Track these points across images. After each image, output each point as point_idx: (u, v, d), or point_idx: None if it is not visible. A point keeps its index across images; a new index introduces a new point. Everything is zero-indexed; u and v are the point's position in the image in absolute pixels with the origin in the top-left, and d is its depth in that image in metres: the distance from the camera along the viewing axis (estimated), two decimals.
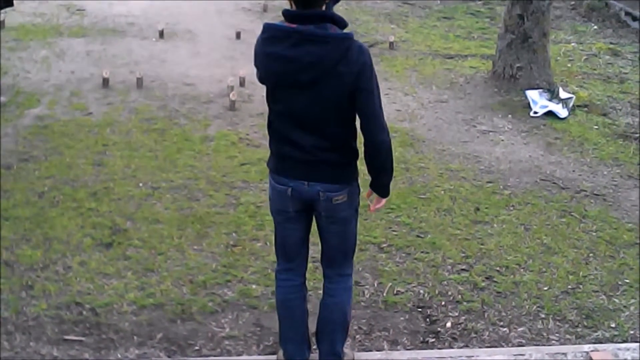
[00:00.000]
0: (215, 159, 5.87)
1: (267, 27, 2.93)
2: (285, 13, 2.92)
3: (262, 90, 7.10)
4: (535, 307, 4.00)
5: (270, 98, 3.08)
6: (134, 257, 4.40)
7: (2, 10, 7.89)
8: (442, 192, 5.40)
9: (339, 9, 10.34)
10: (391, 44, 8.95)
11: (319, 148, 3.03)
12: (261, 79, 3.05)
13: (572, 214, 5.12)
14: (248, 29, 9.33)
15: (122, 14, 9.86)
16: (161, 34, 8.92)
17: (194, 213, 4.98)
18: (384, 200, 3.23)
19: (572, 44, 9.48)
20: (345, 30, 2.97)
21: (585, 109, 7.13)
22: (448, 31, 9.89)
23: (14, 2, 6.80)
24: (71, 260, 4.35)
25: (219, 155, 5.93)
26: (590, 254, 4.59)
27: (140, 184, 5.37)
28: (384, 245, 4.59)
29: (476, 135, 6.61)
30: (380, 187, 3.17)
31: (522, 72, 7.36)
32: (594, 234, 4.85)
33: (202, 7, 10.47)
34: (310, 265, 3.98)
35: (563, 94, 7.09)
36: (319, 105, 2.96)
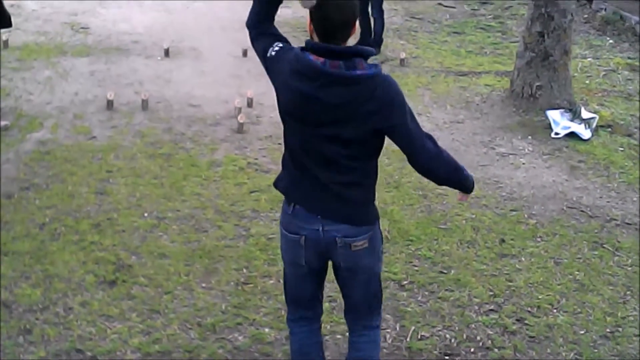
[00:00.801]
0: (224, 186, 5.62)
1: (298, 58, 2.72)
2: (313, 47, 2.69)
3: (270, 111, 6.91)
4: (572, 354, 3.73)
5: (288, 130, 2.85)
6: (139, 297, 4.15)
7: (6, 30, 7.66)
8: (464, 221, 5.14)
9: None
10: (402, 60, 8.70)
11: (337, 183, 2.81)
12: (279, 106, 2.83)
13: (604, 245, 4.84)
14: None
15: (126, 32, 9.63)
16: (166, 53, 8.69)
17: (202, 246, 4.72)
18: (468, 195, 3.05)
19: (589, 59, 9.22)
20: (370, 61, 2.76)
21: (609, 129, 6.86)
22: (459, 47, 9.64)
23: (12, 22, 6.56)
24: (72, 300, 4.10)
25: (227, 182, 5.68)
26: (628, 292, 4.32)
27: (146, 214, 5.13)
28: (405, 282, 4.33)
29: (495, 158, 6.35)
30: (460, 187, 2.97)
31: (542, 91, 7.10)
32: (629, 268, 4.57)
33: (207, 23, 10.24)
34: (326, 305, 3.73)
35: (585, 114, 6.83)
36: (340, 141, 2.75)
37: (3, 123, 6.46)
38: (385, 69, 8.36)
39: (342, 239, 2.81)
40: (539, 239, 4.92)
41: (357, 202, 2.87)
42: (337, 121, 2.69)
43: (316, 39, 2.73)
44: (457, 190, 3.01)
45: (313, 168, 2.80)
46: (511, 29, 10.62)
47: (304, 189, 2.85)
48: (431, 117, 7.16)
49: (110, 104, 7.00)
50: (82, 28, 9.76)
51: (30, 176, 5.62)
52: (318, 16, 2.69)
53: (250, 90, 7.65)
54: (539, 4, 7.00)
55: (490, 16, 11.29)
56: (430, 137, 2.82)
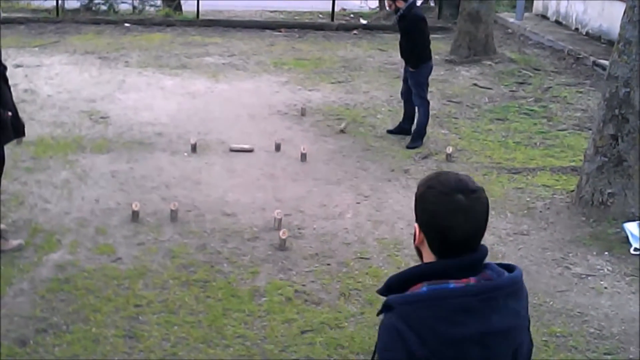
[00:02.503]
0: (270, 325, 4.88)
1: (440, 302, 1.95)
2: (452, 267, 1.97)
3: (312, 221, 6.20)
4: None
5: None
6: None
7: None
8: None
9: (381, 111, 9.54)
10: (448, 155, 8.03)
11: None
12: None
13: None
14: (287, 138, 8.47)
15: (149, 122, 9.02)
16: (193, 148, 8.04)
17: None
18: None
19: None
20: None
21: None
22: (506, 136, 8.98)
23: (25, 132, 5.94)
24: None
25: (273, 319, 4.94)
26: None
27: None
28: None
29: (573, 281, 5.60)
30: None
31: (615, 199, 6.39)
32: None
33: (234, 111, 9.64)
34: None
35: None
36: None
37: (17, 242, 5.77)
38: (430, 166, 7.81)
39: None
40: None
41: None
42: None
43: (434, 255, 2.02)
44: None
45: None
46: (556, 114, 9.98)
47: None
48: (491, 227, 6.43)
49: (135, 215, 6.31)
50: (102, 118, 9.16)
51: (47, 313, 4.89)
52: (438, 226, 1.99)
53: (286, 192, 7.00)
54: (612, 105, 6.34)
55: (530, 99, 10.66)
56: None
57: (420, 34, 8.56)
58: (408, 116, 8.88)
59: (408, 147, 8.43)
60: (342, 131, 8.88)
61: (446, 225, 1.97)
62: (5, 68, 5.63)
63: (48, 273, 5.40)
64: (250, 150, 8.22)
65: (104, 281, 5.32)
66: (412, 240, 2.11)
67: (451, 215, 1.96)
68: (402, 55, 8.77)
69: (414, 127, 8.69)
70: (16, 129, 5.71)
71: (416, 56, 8.54)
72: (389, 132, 8.90)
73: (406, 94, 8.85)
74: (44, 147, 7.98)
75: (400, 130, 8.84)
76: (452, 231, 1.97)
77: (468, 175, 2.07)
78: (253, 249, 5.91)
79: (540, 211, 6.75)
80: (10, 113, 5.55)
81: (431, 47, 8.80)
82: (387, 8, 8.79)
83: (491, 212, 6.49)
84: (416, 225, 2.06)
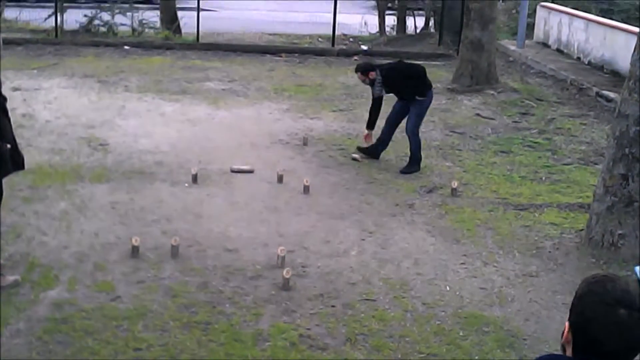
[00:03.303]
0: None
1: None
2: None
3: (316, 259, 6.05)
4: None
5: None
6: None
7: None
8: None
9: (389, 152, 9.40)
10: (453, 190, 7.91)
11: None
12: None
13: None
14: (289, 169, 8.34)
15: (149, 150, 8.89)
16: (194, 179, 7.90)
17: None
18: None
19: None
20: None
21: None
22: (511, 170, 8.86)
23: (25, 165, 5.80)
24: None
25: None
26: None
27: None
28: None
29: None
30: None
31: (625, 240, 6.26)
32: None
33: (235, 139, 9.52)
34: None
35: None
36: None
37: (13, 278, 5.61)
38: (435, 200, 7.68)
39: None
40: None
41: None
42: None
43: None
44: None
45: None
46: (560, 147, 9.88)
47: None
48: (499, 267, 6.30)
49: (135, 251, 6.16)
50: (101, 145, 9.02)
51: (44, 356, 4.74)
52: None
53: (288, 227, 6.86)
54: (623, 144, 6.23)
55: (534, 131, 10.57)
56: None
57: (412, 69, 8.85)
58: (385, 141, 8.87)
59: (403, 172, 8.38)
60: (354, 159, 8.80)
61: (598, 338, 1.83)
62: (5, 99, 5.51)
63: (45, 312, 5.24)
64: (250, 171, 8.16)
65: (103, 322, 5.15)
66: (560, 336, 1.96)
67: (606, 329, 1.82)
68: (408, 97, 8.69)
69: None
70: (15, 162, 5.57)
71: (422, 85, 8.54)
72: (359, 148, 8.89)
73: (393, 120, 8.83)
74: (42, 176, 7.83)
75: (372, 152, 8.80)
76: (603, 345, 1.83)
77: (638, 284, 1.91)
78: (256, 288, 5.76)
79: (549, 251, 6.61)
80: (9, 146, 5.41)
81: (431, 76, 8.90)
82: (363, 83, 8.98)
83: (499, 252, 6.45)
84: (567, 324, 1.92)
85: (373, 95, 8.77)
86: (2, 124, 5.38)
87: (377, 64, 9.01)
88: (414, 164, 8.59)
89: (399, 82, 8.67)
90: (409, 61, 9.15)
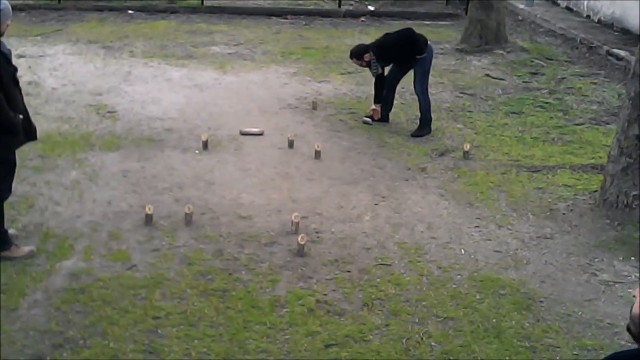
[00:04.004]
0: (293, 338, 4.73)
1: None
2: None
3: (330, 224, 6.04)
4: None
5: None
6: None
7: None
8: None
9: (394, 104, 9.30)
10: (465, 153, 7.86)
11: None
12: None
13: None
14: (300, 134, 8.30)
15: (158, 117, 8.83)
16: (205, 145, 7.86)
17: None
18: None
19: None
20: None
21: None
22: (522, 131, 8.80)
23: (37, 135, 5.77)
24: None
25: (296, 332, 4.80)
26: None
27: None
28: None
29: (600, 288, 5.45)
30: None
31: None
32: None
33: (244, 105, 9.45)
34: None
35: None
36: None
37: (28, 249, 5.61)
38: (447, 164, 7.63)
39: None
40: None
41: None
42: None
43: None
44: None
45: None
46: (572, 106, 9.79)
47: None
48: (514, 230, 6.28)
49: (149, 219, 6.15)
50: (109, 112, 8.97)
51: (63, 327, 4.74)
52: None
53: (301, 192, 6.84)
54: (638, 104, 6.16)
55: (545, 91, 10.47)
56: None
57: (401, 36, 8.73)
58: (387, 102, 8.88)
59: (414, 135, 8.39)
60: (366, 122, 8.80)
61: None
62: (15, 69, 5.46)
63: (62, 282, 5.24)
64: (260, 134, 8.22)
65: (120, 291, 5.16)
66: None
67: None
68: (409, 63, 8.68)
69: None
70: (28, 133, 5.54)
71: (418, 46, 8.53)
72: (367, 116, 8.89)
73: (391, 79, 8.82)
74: (52, 145, 7.80)
75: (382, 117, 8.85)
76: None
77: None
78: (271, 255, 5.76)
79: (563, 213, 6.59)
80: (21, 116, 5.37)
81: (439, 36, 8.80)
82: (360, 66, 8.97)
83: (513, 214, 6.42)
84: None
85: (373, 76, 8.69)
86: (13, 94, 5.33)
87: (367, 44, 8.90)
88: (424, 126, 8.54)
89: (394, 52, 8.61)
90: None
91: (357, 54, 8.68)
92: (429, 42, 8.68)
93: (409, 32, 8.85)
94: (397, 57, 8.65)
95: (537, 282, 5.47)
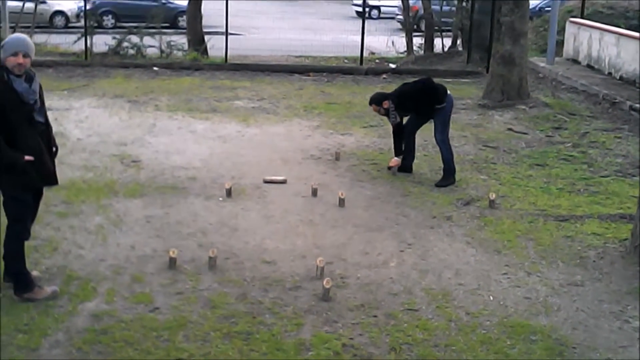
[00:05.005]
0: None
1: None
2: None
3: (355, 270, 5.94)
4: None
5: None
6: None
7: None
8: None
9: (416, 155, 9.26)
10: (491, 202, 7.77)
11: None
12: None
13: None
14: (323, 184, 8.27)
15: (181, 166, 8.86)
16: (228, 193, 7.84)
17: None
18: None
19: None
20: None
21: None
22: (547, 182, 8.72)
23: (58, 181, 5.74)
24: None
25: None
26: None
27: None
28: None
29: (635, 335, 5.29)
30: None
31: None
32: None
33: (267, 155, 9.47)
34: None
35: None
36: None
37: (51, 289, 5.56)
38: (473, 213, 7.54)
39: None
40: None
41: None
42: None
43: None
44: None
45: None
46: (596, 160, 9.72)
47: None
48: (543, 277, 6.15)
49: (172, 262, 6.09)
50: (133, 162, 9.01)
51: None
52: None
53: (326, 239, 6.77)
54: None
55: (569, 144, 10.43)
56: None
57: (419, 87, 8.74)
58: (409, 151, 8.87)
59: (438, 185, 8.31)
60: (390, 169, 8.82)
61: None
62: (32, 109, 5.35)
63: (84, 323, 5.17)
64: (283, 182, 8.24)
65: (143, 333, 5.07)
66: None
67: None
68: (429, 115, 8.72)
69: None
70: (44, 176, 5.46)
71: (435, 97, 8.55)
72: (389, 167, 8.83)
73: (410, 129, 8.83)
74: (76, 191, 7.82)
75: (403, 167, 8.80)
76: None
77: None
78: (295, 299, 5.66)
79: (594, 261, 6.46)
80: (29, 158, 5.26)
81: (460, 92, 8.84)
82: (379, 113, 8.91)
83: (542, 261, 6.29)
84: None
85: (391, 124, 8.70)
86: (23, 134, 5.24)
87: (387, 93, 8.96)
88: (448, 176, 8.50)
89: (413, 101, 8.62)
90: (423, 79, 9.06)
91: (377, 100, 8.71)
92: (448, 92, 8.70)
93: (427, 81, 8.89)
94: (416, 106, 8.66)
95: (569, 329, 5.32)
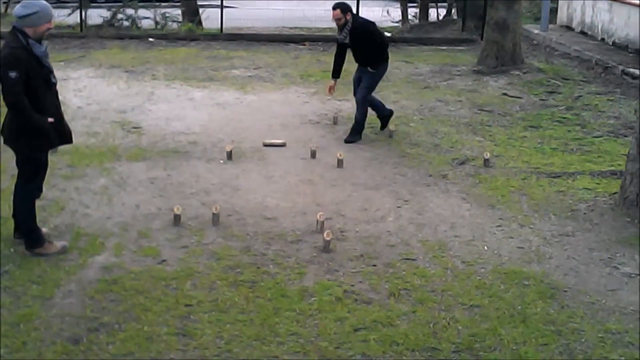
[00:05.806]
0: (322, 323, 4.82)
1: None
2: None
3: (354, 224, 6.15)
4: None
5: None
6: None
7: None
8: None
9: (413, 119, 9.48)
10: (486, 161, 7.97)
11: None
12: None
13: None
14: (322, 147, 8.45)
15: (182, 131, 9.03)
16: (229, 156, 8.02)
17: None
18: None
19: None
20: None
21: None
22: (541, 143, 8.92)
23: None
24: None
25: (325, 317, 4.88)
26: None
27: None
28: None
29: (623, 280, 5.51)
30: None
31: None
32: None
33: (265, 120, 9.64)
34: None
35: None
36: None
37: (61, 244, 5.75)
38: (468, 171, 7.75)
39: None
40: None
41: None
42: None
43: None
44: None
45: None
46: (589, 121, 9.91)
47: None
48: (535, 228, 6.36)
49: (177, 219, 6.29)
50: (134, 128, 9.17)
51: (98, 313, 4.85)
52: None
53: (326, 197, 6.96)
54: None
55: (562, 107, 10.61)
56: None
57: (379, 35, 8.93)
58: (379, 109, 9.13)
59: (347, 142, 8.62)
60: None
61: None
62: (49, 71, 5.56)
63: (95, 275, 5.37)
64: (282, 145, 8.45)
65: (152, 282, 5.28)
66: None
67: None
68: (362, 61, 8.85)
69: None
70: (62, 135, 5.67)
71: (378, 56, 8.71)
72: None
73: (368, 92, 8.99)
74: (80, 156, 7.98)
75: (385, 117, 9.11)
76: None
77: None
78: (297, 251, 5.87)
79: (584, 213, 6.68)
80: (51, 119, 5.46)
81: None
82: (336, 23, 8.74)
83: (534, 214, 6.52)
84: None
85: (337, 40, 8.81)
86: (43, 96, 5.42)
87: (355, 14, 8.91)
88: (355, 133, 8.75)
89: (362, 42, 8.61)
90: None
91: (344, 9, 8.53)
92: (387, 63, 8.89)
93: (385, 40, 9.06)
94: (360, 48, 8.67)
95: (561, 275, 5.54)
